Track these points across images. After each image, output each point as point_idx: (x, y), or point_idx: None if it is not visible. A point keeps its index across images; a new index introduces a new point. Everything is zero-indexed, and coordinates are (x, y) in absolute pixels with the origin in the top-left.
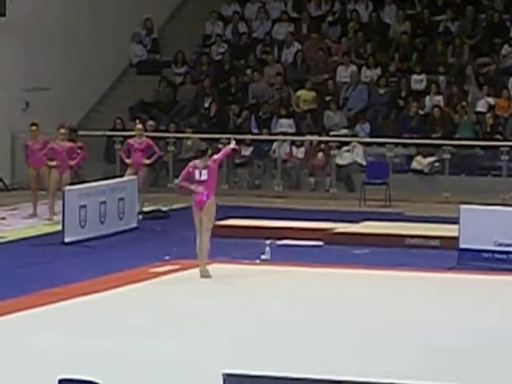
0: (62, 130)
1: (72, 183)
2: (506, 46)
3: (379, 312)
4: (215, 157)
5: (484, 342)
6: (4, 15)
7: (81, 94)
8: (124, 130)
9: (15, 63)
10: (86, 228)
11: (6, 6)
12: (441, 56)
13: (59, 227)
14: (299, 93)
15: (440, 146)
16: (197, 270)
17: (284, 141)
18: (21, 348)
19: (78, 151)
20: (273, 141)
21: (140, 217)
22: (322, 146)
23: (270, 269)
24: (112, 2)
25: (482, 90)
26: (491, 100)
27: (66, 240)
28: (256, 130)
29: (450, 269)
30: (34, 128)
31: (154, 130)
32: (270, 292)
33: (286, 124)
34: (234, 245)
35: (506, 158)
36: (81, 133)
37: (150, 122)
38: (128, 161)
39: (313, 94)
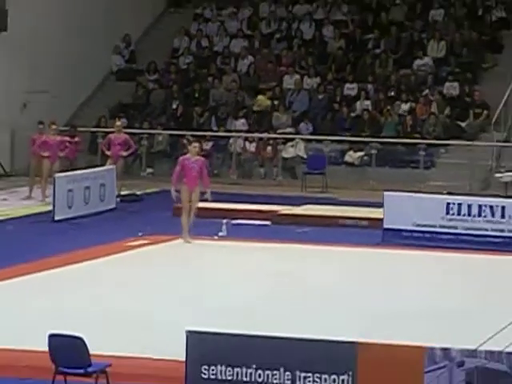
0: (54, 126)
1: (66, 170)
2: (425, 59)
3: (314, 279)
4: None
5: (404, 305)
6: (6, 30)
7: (69, 97)
8: (106, 126)
9: (15, 70)
10: (73, 208)
11: (8, 22)
12: (369, 68)
13: (50, 207)
14: (259, 97)
15: (368, 142)
16: (165, 244)
17: (239, 137)
18: (16, 308)
19: (68, 144)
20: (229, 137)
21: (118, 199)
22: (271, 141)
23: (226, 243)
24: (97, 20)
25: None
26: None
27: (56, 218)
28: (215, 128)
29: (376, 245)
30: (41, 126)
31: (129, 127)
32: (225, 262)
33: (240, 123)
34: (196, 223)
35: (423, 153)
36: (67, 128)
37: (123, 120)
38: (108, 153)
39: (268, 101)
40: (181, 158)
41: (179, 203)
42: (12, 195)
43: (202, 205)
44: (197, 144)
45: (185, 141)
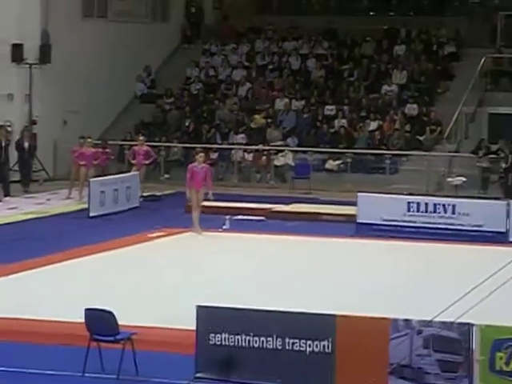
0: (89, 140)
1: (99, 176)
2: (391, 86)
3: (300, 263)
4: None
5: (373, 285)
6: (50, 62)
7: (102, 116)
8: (131, 140)
9: (57, 94)
10: (105, 206)
11: (51, 55)
12: (345, 92)
13: (86, 206)
14: (255, 116)
15: (344, 153)
16: (179, 236)
17: (239, 149)
18: (59, 287)
19: (101, 155)
20: (231, 149)
21: (141, 199)
22: (265, 152)
23: (229, 235)
24: (123, 54)
25: (368, 115)
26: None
27: (91, 215)
28: (220, 141)
29: (351, 236)
30: (82, 140)
31: (150, 141)
32: (228, 250)
33: (240, 137)
34: (205, 219)
35: (389, 161)
36: (100, 142)
37: (144, 135)
38: (133, 161)
39: (263, 119)
40: (190, 166)
41: (190, 202)
42: (55, 196)
43: (209, 203)
44: (202, 154)
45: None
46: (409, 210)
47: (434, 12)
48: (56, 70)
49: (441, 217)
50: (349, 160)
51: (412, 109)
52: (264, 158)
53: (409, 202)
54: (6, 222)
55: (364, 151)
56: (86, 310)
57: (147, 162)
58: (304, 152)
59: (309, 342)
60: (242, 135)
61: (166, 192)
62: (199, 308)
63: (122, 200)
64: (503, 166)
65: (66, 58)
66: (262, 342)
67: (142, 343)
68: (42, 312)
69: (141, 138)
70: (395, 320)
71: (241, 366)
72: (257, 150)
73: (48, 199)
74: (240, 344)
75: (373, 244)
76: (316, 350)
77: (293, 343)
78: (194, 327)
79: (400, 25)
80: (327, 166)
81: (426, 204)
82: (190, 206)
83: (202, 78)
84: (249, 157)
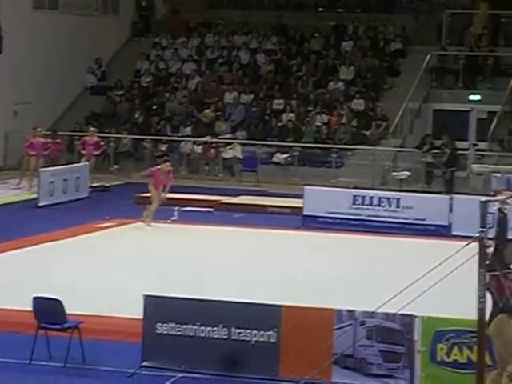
0: (38, 130)
1: (49, 166)
2: (338, 81)
3: (247, 254)
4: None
5: (317, 275)
6: (1, 52)
7: (52, 107)
8: (81, 131)
9: (8, 85)
10: (54, 196)
11: (3, 46)
12: (293, 87)
13: (35, 195)
14: (206, 111)
15: (292, 146)
16: (128, 226)
17: (188, 141)
18: (6, 276)
19: (50, 145)
20: (181, 141)
21: (90, 190)
22: (214, 145)
23: (177, 226)
24: (75, 46)
25: (315, 109)
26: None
27: (40, 204)
28: (170, 133)
29: (297, 228)
30: (34, 131)
31: (100, 132)
32: (175, 241)
33: (189, 130)
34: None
35: (335, 155)
36: (50, 133)
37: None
38: (83, 152)
39: (213, 113)
40: (154, 169)
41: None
42: (4, 185)
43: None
44: (169, 163)
45: (145, 143)
46: (354, 203)
47: (381, 9)
48: (7, 61)
49: (385, 210)
50: (296, 153)
51: (358, 104)
52: (213, 150)
53: (354, 196)
54: None
55: (311, 145)
56: (34, 298)
57: (97, 152)
58: (252, 145)
59: (254, 332)
60: (191, 128)
61: (116, 183)
62: (146, 297)
63: (71, 190)
64: (443, 160)
65: (17, 49)
66: (208, 331)
67: (89, 331)
68: None
69: (91, 128)
70: (339, 311)
71: (187, 356)
72: (205, 143)
73: None
74: (186, 333)
75: (318, 236)
76: (261, 339)
77: (238, 333)
78: (141, 316)
79: (348, 21)
80: (275, 159)
81: (371, 197)
82: (139, 198)
83: (153, 70)
84: (198, 149)
